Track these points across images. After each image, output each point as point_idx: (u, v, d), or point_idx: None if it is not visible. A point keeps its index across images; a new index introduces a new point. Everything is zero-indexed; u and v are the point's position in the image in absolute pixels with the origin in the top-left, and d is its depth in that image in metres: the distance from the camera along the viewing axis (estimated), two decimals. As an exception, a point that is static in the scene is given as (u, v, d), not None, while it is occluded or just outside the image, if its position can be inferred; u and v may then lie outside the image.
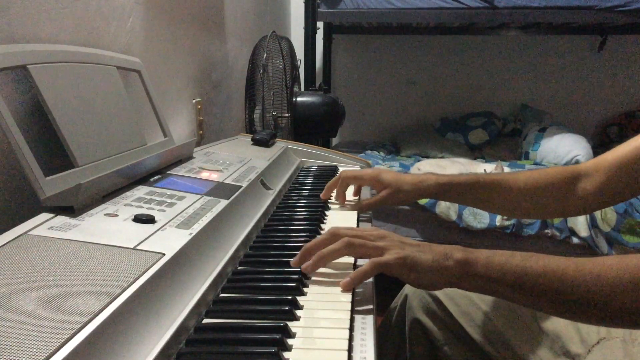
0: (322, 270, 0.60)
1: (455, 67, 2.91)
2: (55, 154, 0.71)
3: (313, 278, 0.60)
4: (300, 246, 0.64)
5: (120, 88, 0.86)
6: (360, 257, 0.61)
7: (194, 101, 1.42)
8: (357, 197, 0.95)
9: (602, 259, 0.52)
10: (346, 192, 0.91)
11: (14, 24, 0.70)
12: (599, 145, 2.67)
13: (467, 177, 0.82)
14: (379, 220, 1.93)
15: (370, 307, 0.54)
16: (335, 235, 0.60)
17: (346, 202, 0.90)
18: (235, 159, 0.97)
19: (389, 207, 1.87)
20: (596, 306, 0.50)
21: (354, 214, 0.86)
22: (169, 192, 0.70)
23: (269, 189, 0.89)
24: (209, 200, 0.69)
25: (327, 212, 0.86)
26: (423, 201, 1.84)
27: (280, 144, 1.22)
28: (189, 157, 0.94)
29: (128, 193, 0.66)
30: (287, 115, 1.62)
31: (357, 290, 0.57)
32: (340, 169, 1.17)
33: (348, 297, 0.55)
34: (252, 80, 1.60)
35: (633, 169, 0.70)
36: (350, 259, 0.63)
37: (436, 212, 1.84)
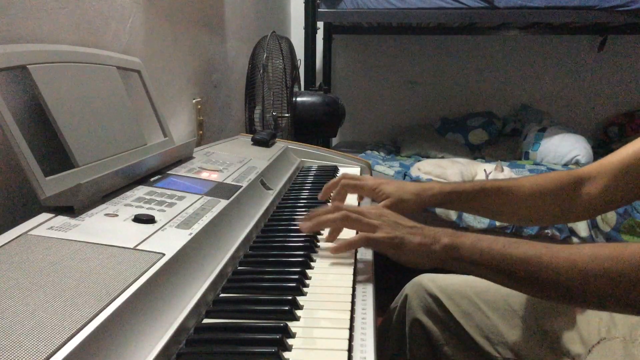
0: (322, 270, 0.62)
1: (455, 67, 2.91)
2: (55, 154, 0.71)
3: (313, 278, 0.60)
4: (300, 246, 0.68)
5: (120, 88, 0.86)
6: (354, 230, 0.68)
7: (194, 101, 1.42)
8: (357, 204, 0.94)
9: (577, 246, 0.56)
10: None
11: (14, 24, 0.70)
12: (599, 145, 2.67)
13: (472, 185, 0.80)
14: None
15: (371, 307, 0.54)
16: (338, 208, 0.66)
17: None
18: (235, 159, 0.97)
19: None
20: (568, 289, 0.55)
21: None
22: (169, 192, 0.70)
23: (269, 189, 0.89)
24: (209, 200, 0.69)
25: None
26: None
27: (280, 144, 1.22)
28: (189, 157, 0.94)
29: (128, 193, 0.66)
30: (287, 115, 1.62)
31: (357, 290, 0.58)
32: (340, 169, 1.17)
33: (348, 297, 0.55)
34: (252, 80, 1.60)
35: (637, 171, 0.70)
36: (351, 260, 0.65)
37: (436, 212, 1.84)
